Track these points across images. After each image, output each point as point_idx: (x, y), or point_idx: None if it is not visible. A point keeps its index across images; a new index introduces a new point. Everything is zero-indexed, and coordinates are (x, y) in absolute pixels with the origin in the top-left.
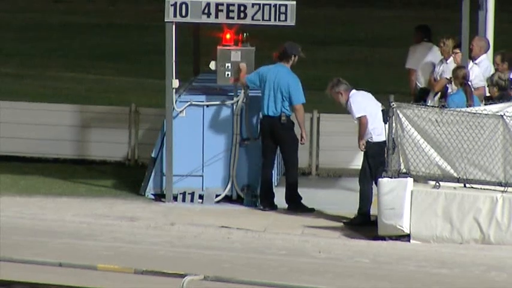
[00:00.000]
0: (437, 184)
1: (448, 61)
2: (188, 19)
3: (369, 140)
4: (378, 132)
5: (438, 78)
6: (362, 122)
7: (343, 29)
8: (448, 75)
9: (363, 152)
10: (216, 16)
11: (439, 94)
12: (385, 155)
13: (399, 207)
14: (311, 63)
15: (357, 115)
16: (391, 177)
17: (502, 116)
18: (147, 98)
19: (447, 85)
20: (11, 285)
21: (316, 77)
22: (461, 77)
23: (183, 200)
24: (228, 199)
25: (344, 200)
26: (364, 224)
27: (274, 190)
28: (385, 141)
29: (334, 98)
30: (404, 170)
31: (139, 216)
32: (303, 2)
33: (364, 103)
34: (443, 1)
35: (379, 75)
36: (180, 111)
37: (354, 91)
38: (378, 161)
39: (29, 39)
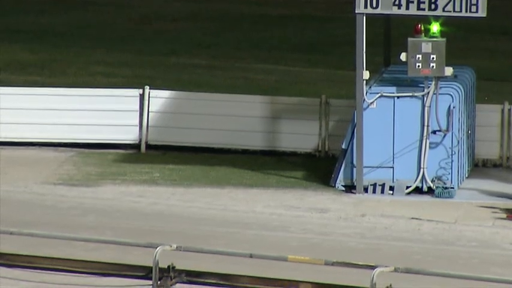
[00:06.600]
0: None
1: None
2: (378, 10)
3: None
4: None
5: None
6: None
7: None
8: None
9: None
10: (407, 8)
11: None
12: None
13: None
14: (505, 53)
15: None
16: None
17: None
18: (338, 89)
19: None
20: (201, 275)
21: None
22: None
23: (374, 191)
24: (418, 190)
25: None
26: None
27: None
28: None
29: None
30: None
31: (330, 208)
32: None
33: None
34: None
35: None
36: (371, 103)
37: None
38: None
39: (220, 30)
